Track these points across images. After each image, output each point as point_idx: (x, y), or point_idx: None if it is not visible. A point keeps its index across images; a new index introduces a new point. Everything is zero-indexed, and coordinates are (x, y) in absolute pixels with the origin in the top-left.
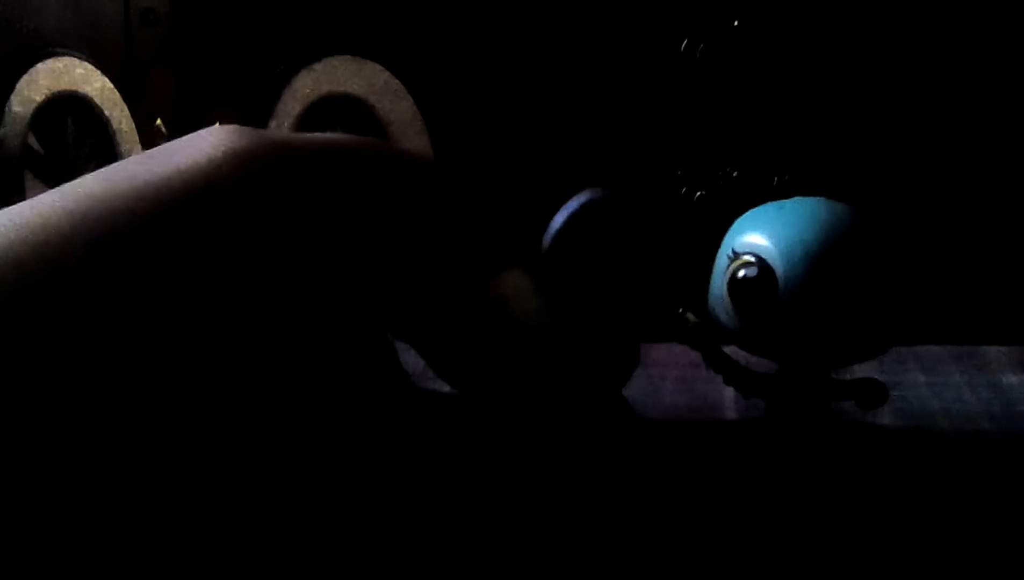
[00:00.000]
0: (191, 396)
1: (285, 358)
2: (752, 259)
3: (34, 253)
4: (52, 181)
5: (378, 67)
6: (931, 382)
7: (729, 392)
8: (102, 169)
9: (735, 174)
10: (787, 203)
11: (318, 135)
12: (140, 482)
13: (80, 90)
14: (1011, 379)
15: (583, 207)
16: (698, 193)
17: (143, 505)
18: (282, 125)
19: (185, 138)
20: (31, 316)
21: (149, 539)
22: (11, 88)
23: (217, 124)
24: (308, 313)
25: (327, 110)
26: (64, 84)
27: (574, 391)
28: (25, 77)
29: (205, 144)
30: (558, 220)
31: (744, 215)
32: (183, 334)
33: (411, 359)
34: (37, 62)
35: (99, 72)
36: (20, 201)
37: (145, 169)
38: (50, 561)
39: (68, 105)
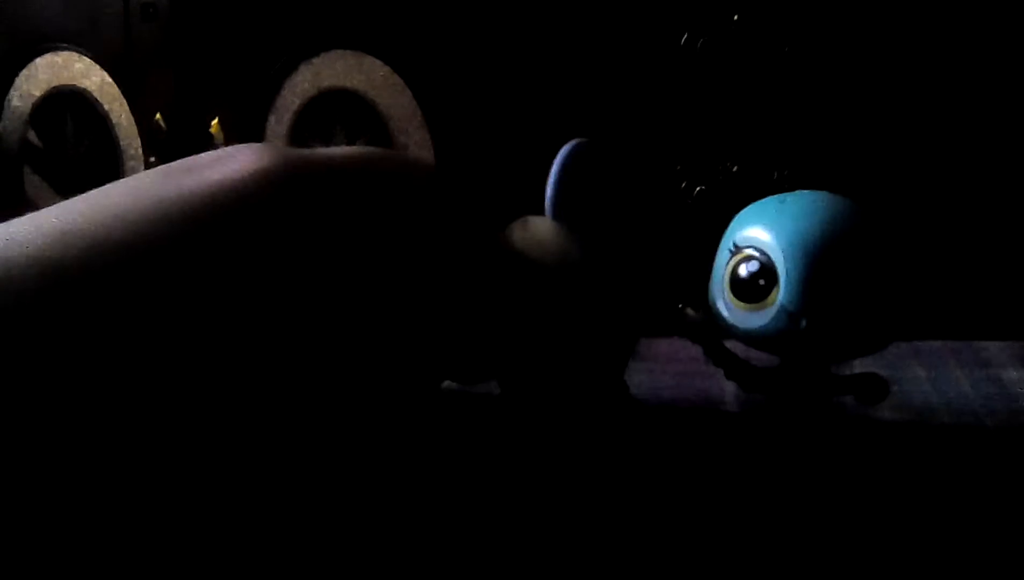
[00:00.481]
0: (211, 413)
1: (310, 368)
2: (754, 253)
3: (52, 268)
4: (51, 175)
5: (377, 61)
6: (931, 377)
7: (730, 386)
8: (129, 180)
9: (735, 169)
10: (788, 197)
11: (335, 150)
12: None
13: (79, 85)
14: (1011, 374)
15: (573, 151)
16: (698, 188)
17: (152, 504)
18: (282, 119)
19: (210, 156)
20: (50, 333)
21: (149, 539)
22: (10, 83)
23: (243, 144)
24: (334, 321)
25: (327, 105)
26: (63, 79)
27: (592, 341)
28: (24, 72)
29: (233, 163)
30: (554, 169)
31: (745, 209)
32: (210, 351)
33: None
34: (36, 57)
35: (98, 67)
36: (19, 194)
37: (174, 186)
38: (51, 561)
39: (67, 100)
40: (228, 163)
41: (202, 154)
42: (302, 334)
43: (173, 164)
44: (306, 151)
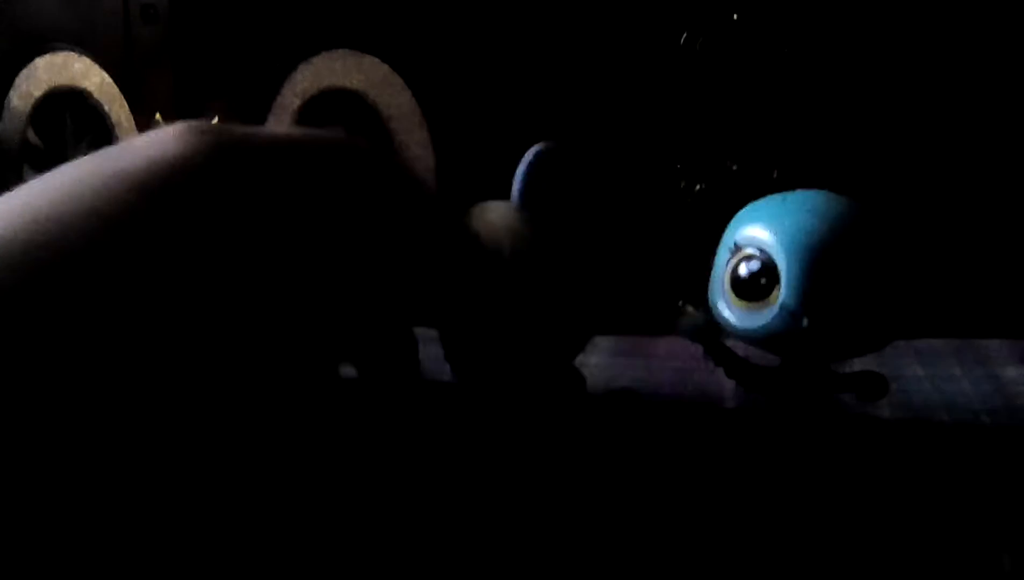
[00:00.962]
0: (173, 393)
1: (264, 350)
2: (754, 252)
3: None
4: None
5: (377, 61)
6: (931, 375)
7: (729, 385)
8: (65, 170)
9: (735, 167)
10: (789, 196)
11: (280, 130)
12: (132, 474)
13: (79, 85)
14: (1011, 372)
15: (539, 155)
16: (697, 186)
17: (135, 497)
18: (281, 120)
19: (146, 135)
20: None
21: (150, 535)
22: (10, 83)
23: (179, 123)
24: (279, 305)
25: (326, 104)
26: (63, 79)
27: (545, 325)
28: (24, 72)
29: (168, 140)
30: (521, 167)
31: (745, 208)
32: (155, 329)
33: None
34: (36, 57)
35: (98, 67)
36: None
37: (112, 165)
38: (50, 556)
39: (67, 100)
40: (162, 140)
41: (138, 137)
42: (235, 316)
43: (109, 149)
44: (249, 128)
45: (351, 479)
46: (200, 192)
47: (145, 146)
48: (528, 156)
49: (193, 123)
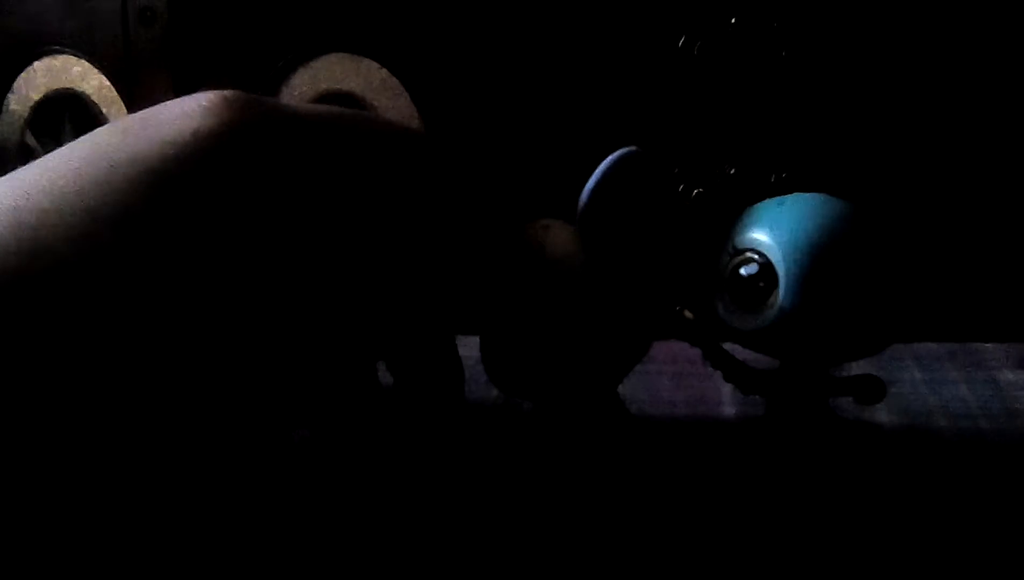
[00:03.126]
0: (179, 384)
1: (281, 341)
2: (753, 255)
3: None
4: None
5: (375, 64)
6: (928, 379)
7: (727, 388)
8: (83, 140)
9: (733, 172)
10: (788, 199)
11: (310, 105)
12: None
13: (77, 88)
14: (1008, 376)
15: (618, 161)
16: (696, 190)
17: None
18: None
19: (169, 105)
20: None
21: (146, 534)
22: (8, 86)
23: (211, 92)
24: (306, 292)
25: None
26: (61, 82)
27: (602, 343)
28: (22, 75)
29: (192, 114)
30: (595, 175)
31: (745, 211)
32: (169, 319)
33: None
34: (34, 60)
35: (96, 70)
36: None
37: (129, 144)
38: (46, 550)
39: (65, 103)
40: (185, 114)
41: (163, 105)
42: (261, 299)
43: (132, 117)
44: (276, 103)
45: (368, 484)
46: (230, 172)
47: (174, 119)
48: (608, 161)
49: (229, 94)
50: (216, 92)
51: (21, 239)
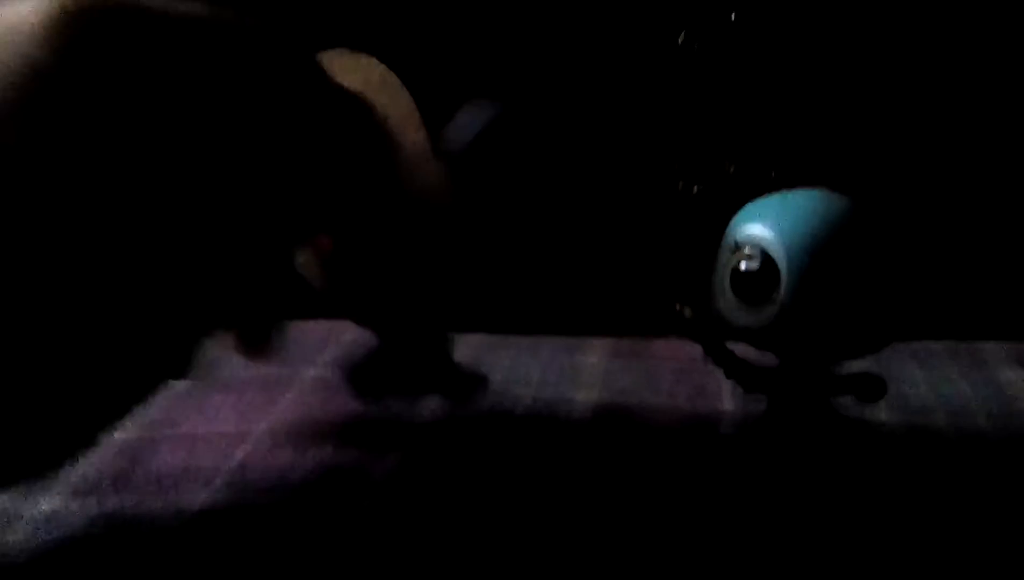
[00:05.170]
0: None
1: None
2: (754, 252)
3: None
4: None
5: (374, 60)
6: (929, 378)
7: (728, 385)
8: None
9: (732, 168)
10: (789, 195)
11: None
12: None
13: None
14: (1008, 375)
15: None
16: (695, 187)
17: None
18: None
19: None
20: None
21: None
22: None
23: None
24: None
25: None
26: None
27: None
28: None
29: (28, 4)
30: (478, 122)
31: (745, 207)
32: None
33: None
34: None
35: None
36: None
37: None
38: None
39: None
40: (20, 3)
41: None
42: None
43: None
44: None
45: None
46: (66, 62)
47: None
48: (486, 110)
49: None
50: None
51: None
